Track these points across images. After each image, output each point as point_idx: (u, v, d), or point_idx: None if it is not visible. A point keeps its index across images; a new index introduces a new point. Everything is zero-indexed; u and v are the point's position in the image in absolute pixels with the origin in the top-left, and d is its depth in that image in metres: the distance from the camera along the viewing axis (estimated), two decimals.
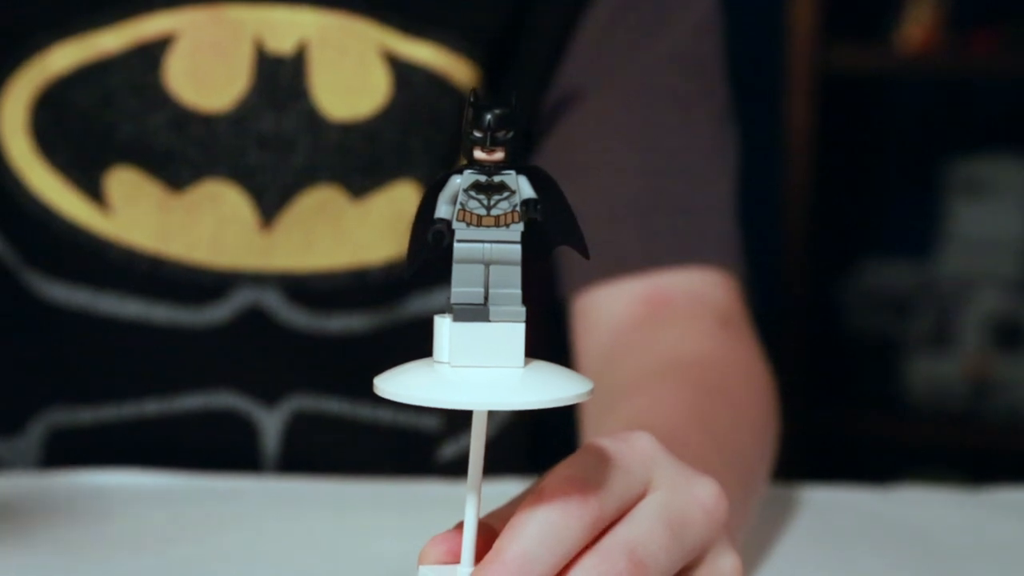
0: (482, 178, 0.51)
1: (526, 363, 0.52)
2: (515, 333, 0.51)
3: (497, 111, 0.50)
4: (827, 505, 0.85)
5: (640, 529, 0.55)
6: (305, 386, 0.93)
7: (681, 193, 0.91)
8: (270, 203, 0.89)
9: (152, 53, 0.87)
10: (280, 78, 0.88)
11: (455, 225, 0.51)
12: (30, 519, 0.79)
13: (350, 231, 0.91)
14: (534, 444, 1.06)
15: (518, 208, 0.51)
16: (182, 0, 0.87)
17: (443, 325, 0.51)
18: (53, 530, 0.77)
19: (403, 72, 0.89)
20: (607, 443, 0.57)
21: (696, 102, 0.93)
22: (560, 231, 0.52)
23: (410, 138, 0.90)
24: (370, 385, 1.01)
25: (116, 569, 0.72)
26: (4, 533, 0.76)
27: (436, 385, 0.51)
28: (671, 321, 0.89)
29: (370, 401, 0.94)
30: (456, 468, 0.96)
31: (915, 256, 2.43)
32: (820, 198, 2.31)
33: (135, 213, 0.89)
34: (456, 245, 0.51)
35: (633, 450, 0.57)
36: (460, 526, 0.54)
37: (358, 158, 0.89)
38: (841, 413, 2.37)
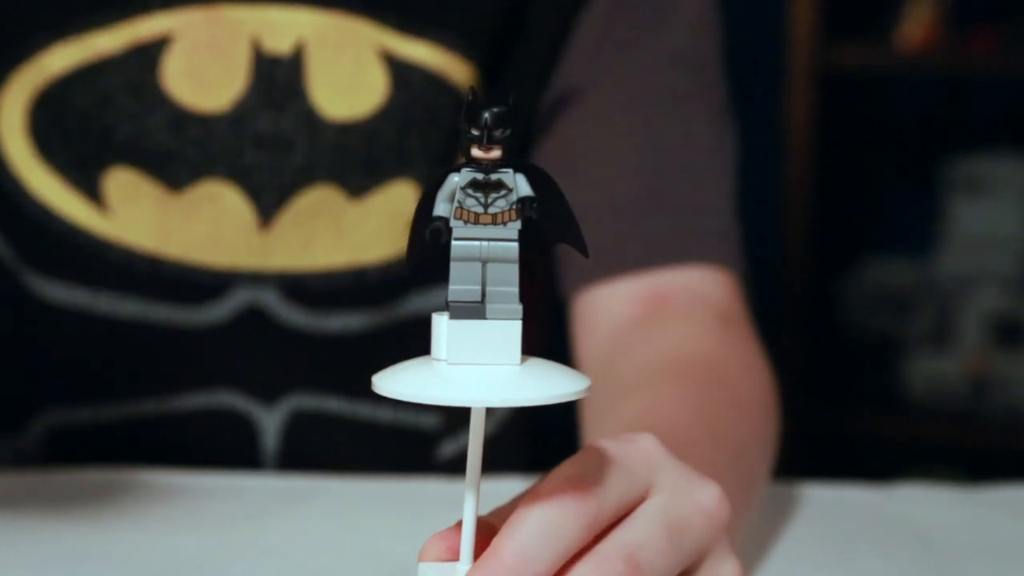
0: (479, 176, 0.51)
1: (523, 360, 0.52)
2: (512, 330, 0.51)
3: (495, 109, 0.51)
4: (827, 503, 0.85)
5: (639, 532, 0.55)
6: (304, 385, 0.93)
7: (680, 192, 0.91)
8: (268, 203, 0.89)
9: (150, 54, 0.87)
10: (278, 78, 0.88)
11: (453, 223, 0.51)
12: (30, 517, 0.79)
13: (348, 231, 0.91)
14: (534, 442, 1.06)
15: (515, 206, 0.51)
16: (179, 0, 0.87)
17: (441, 323, 0.52)
18: (53, 528, 0.77)
19: (401, 72, 0.89)
20: (610, 444, 0.57)
21: (695, 100, 0.93)
22: (558, 229, 0.53)
23: (408, 138, 0.90)
24: (369, 384, 1.01)
25: (116, 567, 0.72)
26: (4, 531, 0.76)
27: (433, 382, 0.51)
28: (671, 320, 0.89)
29: (370, 400, 0.95)
30: (456, 466, 0.96)
31: (915, 254, 2.44)
32: (820, 196, 2.31)
33: (133, 213, 0.89)
34: (453, 243, 0.51)
35: (636, 452, 0.57)
36: (460, 524, 0.55)
37: (356, 158, 0.89)
38: (841, 411, 2.37)
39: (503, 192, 0.51)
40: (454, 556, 0.54)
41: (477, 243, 0.51)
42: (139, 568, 0.72)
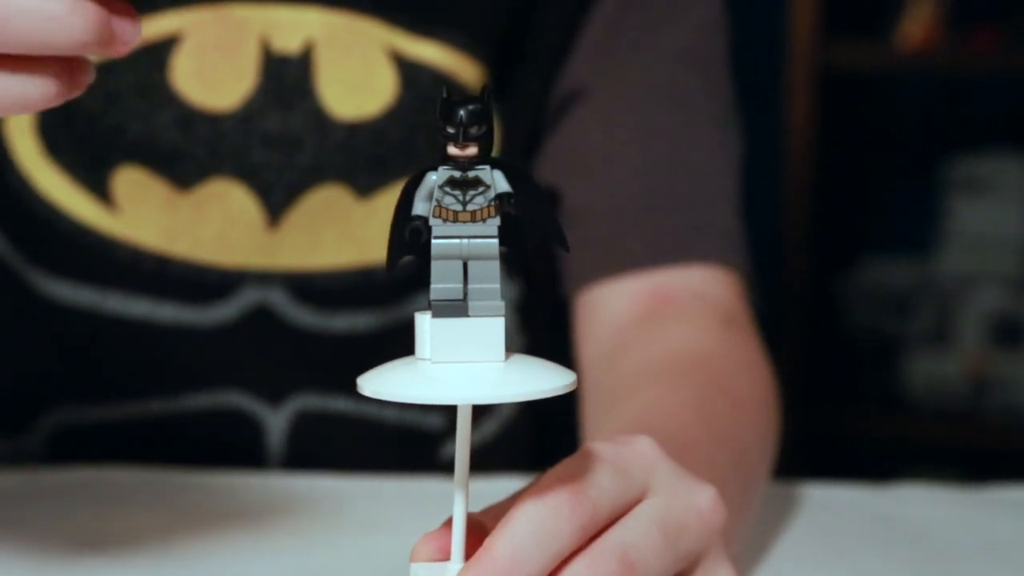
0: (457, 174, 0.51)
1: (507, 357, 0.52)
2: (495, 327, 0.51)
3: (470, 107, 0.50)
4: (827, 503, 0.85)
5: (634, 532, 0.55)
6: (310, 385, 0.93)
7: (685, 191, 0.91)
8: (276, 202, 0.89)
9: (158, 52, 0.87)
10: (286, 77, 0.88)
11: (432, 222, 0.51)
12: (33, 515, 0.79)
13: (356, 230, 0.91)
14: (538, 441, 1.06)
15: (493, 202, 0.51)
16: (188, 0, 0.87)
17: (424, 322, 0.52)
18: (52, 527, 0.77)
19: (409, 71, 0.89)
20: (606, 446, 0.57)
21: (701, 99, 0.93)
22: (537, 224, 0.52)
23: (416, 137, 0.90)
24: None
25: (118, 565, 0.72)
26: (7, 529, 0.76)
27: (418, 382, 0.51)
28: (673, 319, 0.89)
29: (376, 400, 0.95)
30: None
31: (915, 254, 2.44)
32: (820, 196, 2.31)
33: (141, 212, 0.89)
34: (433, 242, 0.51)
35: (633, 454, 0.57)
36: (451, 523, 0.55)
37: (364, 157, 0.89)
38: (841, 411, 2.37)
39: (481, 189, 0.51)
40: (445, 556, 0.54)
41: (457, 241, 0.51)
42: (140, 565, 0.72)
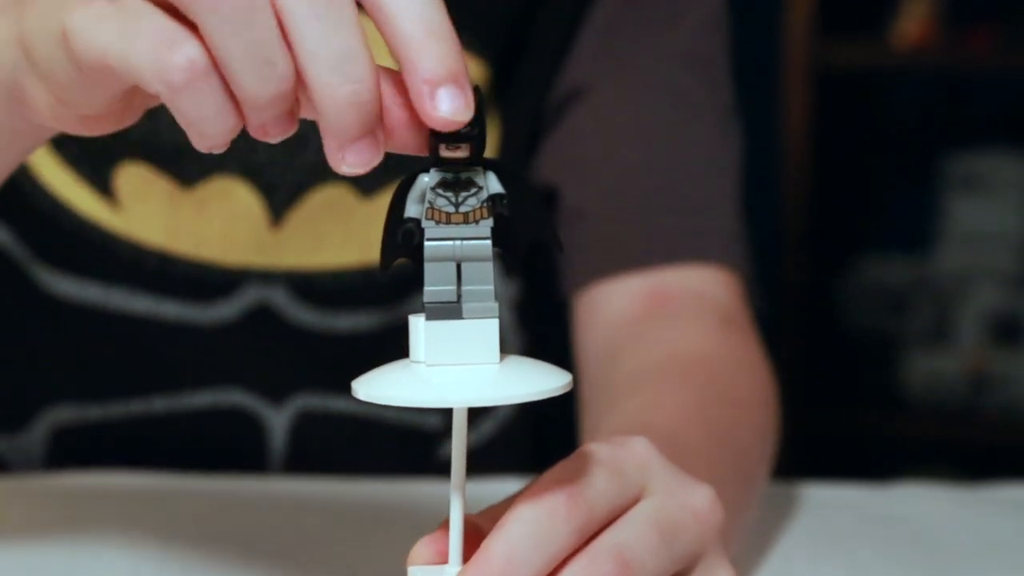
0: (449, 175, 0.51)
1: (502, 358, 0.51)
2: (489, 329, 0.51)
3: None
4: (825, 502, 0.85)
5: (630, 533, 0.55)
6: (312, 384, 0.93)
7: (685, 191, 0.91)
8: (280, 201, 0.89)
9: None
10: None
11: (424, 224, 0.51)
12: (31, 520, 0.79)
13: (359, 229, 0.91)
14: (536, 441, 1.06)
15: (486, 204, 0.51)
16: None
17: (417, 324, 0.51)
18: (53, 531, 0.77)
19: None
20: (602, 447, 0.57)
21: (702, 99, 0.93)
22: (530, 225, 0.52)
23: None
24: None
25: (115, 569, 0.72)
26: (5, 533, 0.76)
27: (412, 385, 0.51)
28: (672, 319, 0.89)
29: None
30: None
31: (913, 252, 2.44)
32: (817, 194, 2.31)
33: (145, 209, 0.89)
34: (426, 244, 0.51)
35: (629, 455, 0.57)
36: (447, 525, 0.54)
37: None
38: (839, 409, 2.38)
39: (473, 190, 0.51)
40: (443, 559, 0.54)
41: (450, 243, 0.51)
42: (138, 569, 0.72)
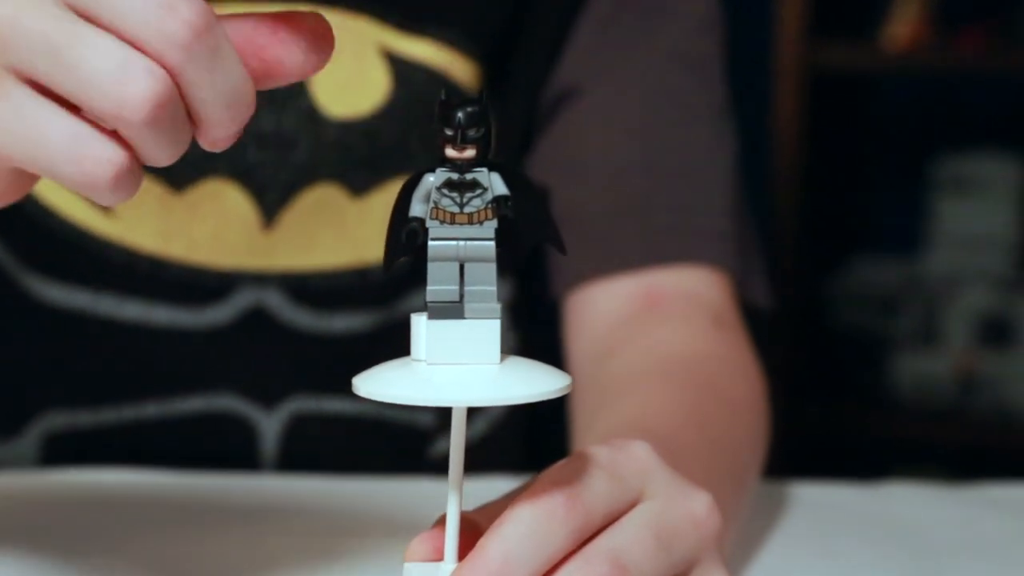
0: (454, 176, 0.51)
1: (503, 359, 0.52)
2: (491, 329, 0.51)
3: (468, 109, 0.51)
4: (815, 501, 0.85)
5: (626, 536, 0.55)
6: (305, 387, 0.93)
7: (678, 191, 0.91)
8: (271, 202, 0.89)
9: None
10: None
11: (429, 223, 0.51)
12: (24, 518, 0.79)
13: (351, 229, 0.91)
14: (528, 440, 1.06)
15: (491, 205, 0.51)
16: None
17: (419, 323, 0.52)
18: (46, 529, 0.77)
19: (402, 70, 0.89)
20: (603, 450, 0.57)
21: (695, 99, 0.93)
22: (534, 227, 0.53)
23: (410, 136, 0.90)
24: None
25: (109, 566, 0.72)
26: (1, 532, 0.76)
27: (413, 383, 0.51)
28: (664, 319, 0.89)
29: (371, 400, 0.94)
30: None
31: (903, 253, 2.44)
32: (808, 196, 2.31)
33: (136, 214, 0.89)
34: (430, 243, 0.51)
35: (628, 458, 0.57)
36: (444, 523, 0.55)
37: (358, 156, 0.89)
38: (829, 409, 2.38)
39: (478, 191, 0.51)
40: (439, 556, 0.54)
41: (454, 243, 0.51)
42: (132, 567, 0.72)
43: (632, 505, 0.56)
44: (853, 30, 2.33)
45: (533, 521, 0.52)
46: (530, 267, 1.01)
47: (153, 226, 0.89)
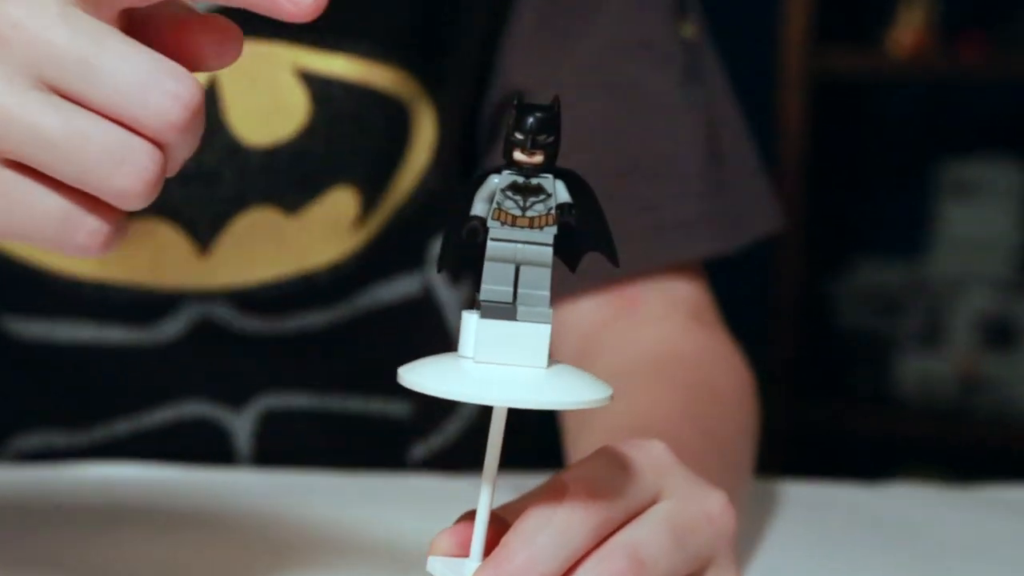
0: (520, 179, 0.51)
1: (549, 365, 0.52)
2: (540, 334, 0.51)
3: (539, 114, 0.51)
4: (818, 501, 0.85)
5: (644, 531, 0.55)
6: (270, 385, 0.92)
7: (639, 188, 0.88)
8: (204, 233, 0.88)
9: None
10: None
11: (489, 223, 0.51)
12: (14, 513, 0.79)
13: (291, 242, 0.89)
14: (521, 440, 1.05)
15: (553, 211, 0.52)
16: None
17: (470, 320, 0.52)
18: (19, 527, 0.77)
19: (320, 88, 0.87)
20: (621, 449, 0.58)
21: (647, 82, 0.89)
22: (592, 237, 0.53)
23: (337, 149, 0.88)
24: (335, 376, 0.96)
25: (100, 561, 0.72)
26: None
27: (459, 379, 0.51)
28: (643, 319, 0.88)
29: (339, 393, 0.94)
30: (428, 465, 0.96)
31: (906, 256, 2.45)
32: (813, 199, 2.32)
33: None
34: (489, 243, 0.51)
35: (647, 457, 0.58)
36: (467, 517, 0.55)
37: (287, 177, 0.88)
38: (833, 409, 2.38)
39: (542, 197, 0.51)
40: (463, 551, 0.55)
41: (512, 245, 0.51)
42: (111, 567, 0.71)
43: (650, 503, 0.57)
44: (857, 36, 2.33)
45: (557, 520, 0.53)
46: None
47: (91, 259, 0.87)
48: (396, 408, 0.96)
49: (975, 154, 2.40)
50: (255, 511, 0.81)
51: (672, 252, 0.88)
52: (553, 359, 0.52)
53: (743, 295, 2.14)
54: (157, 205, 0.84)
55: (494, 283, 0.51)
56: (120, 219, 0.53)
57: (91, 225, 0.52)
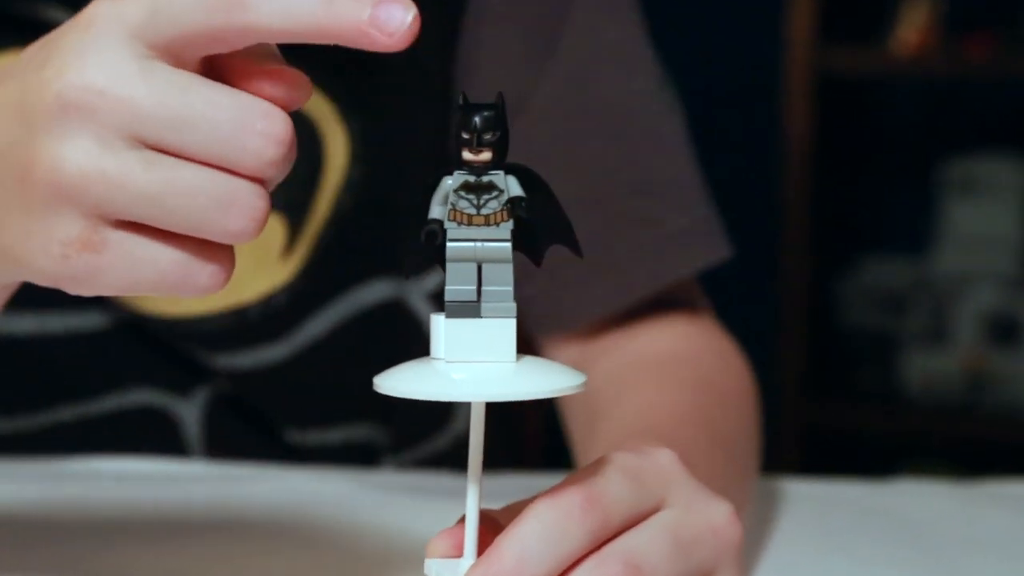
0: (471, 178, 0.52)
1: (519, 358, 0.52)
2: (506, 328, 0.52)
3: (484, 113, 0.51)
4: (825, 499, 0.85)
5: (642, 539, 0.55)
6: (213, 377, 0.90)
7: (630, 211, 0.86)
8: None
9: None
10: None
11: (447, 225, 0.52)
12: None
13: None
14: (514, 441, 1.06)
15: (506, 207, 0.52)
16: None
17: (438, 322, 0.52)
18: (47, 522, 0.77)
19: None
20: (627, 456, 0.57)
21: (613, 99, 0.87)
22: (550, 229, 0.53)
23: None
24: (279, 415, 0.91)
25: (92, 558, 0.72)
26: None
27: (433, 380, 0.52)
28: (640, 322, 0.87)
29: (293, 428, 0.92)
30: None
31: (912, 254, 2.44)
32: (819, 198, 2.32)
33: None
34: (448, 244, 0.52)
35: (653, 465, 0.57)
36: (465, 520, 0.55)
37: None
38: (839, 407, 2.38)
39: (495, 194, 0.52)
40: (460, 553, 0.55)
41: (471, 244, 0.52)
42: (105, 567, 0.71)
43: (652, 511, 0.56)
44: (862, 35, 2.33)
45: (549, 521, 0.53)
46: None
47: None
48: (365, 433, 0.94)
49: (980, 152, 2.40)
50: (249, 507, 0.81)
51: (662, 274, 0.86)
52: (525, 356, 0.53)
53: (749, 294, 2.15)
54: None
55: (457, 283, 0.52)
56: (232, 253, 0.54)
57: (211, 268, 0.53)
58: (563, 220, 0.54)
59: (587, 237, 0.81)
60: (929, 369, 2.35)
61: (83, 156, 0.51)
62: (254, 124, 0.51)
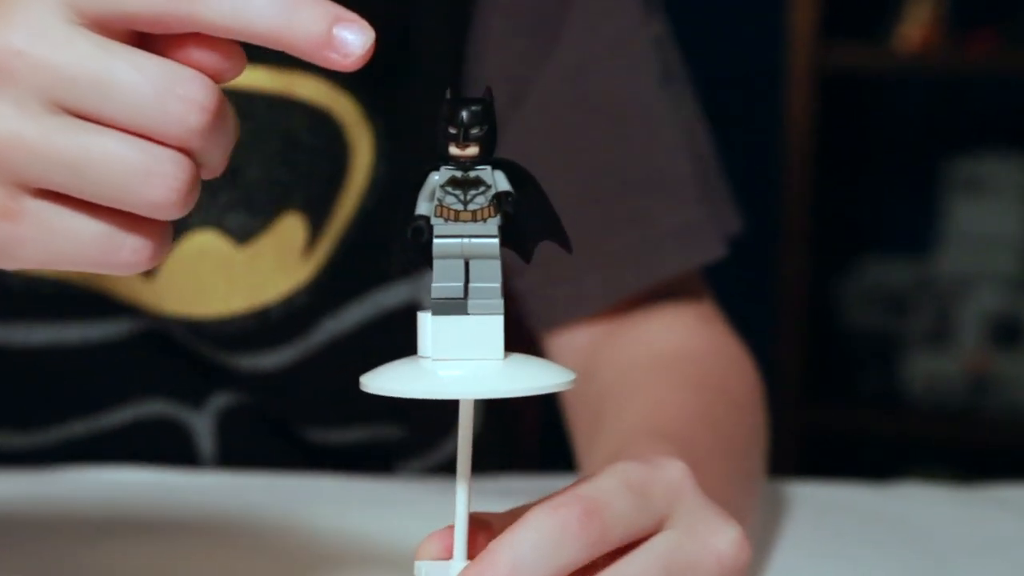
0: (458, 174, 0.51)
1: (506, 355, 0.52)
2: (494, 325, 0.52)
3: (471, 107, 0.51)
4: (826, 502, 0.85)
5: (634, 569, 0.54)
6: (228, 383, 0.90)
7: (637, 203, 0.86)
8: None
9: None
10: None
11: (434, 221, 0.52)
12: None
13: (240, 278, 0.86)
14: (509, 439, 1.05)
15: (494, 202, 0.52)
16: None
17: (425, 320, 0.52)
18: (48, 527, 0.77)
19: (240, 104, 0.81)
20: (636, 467, 0.56)
21: (624, 89, 0.87)
22: (538, 224, 0.53)
23: (274, 168, 0.85)
24: (297, 417, 0.92)
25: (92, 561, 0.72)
26: None
27: (420, 378, 0.52)
28: (647, 316, 0.86)
29: (311, 425, 0.92)
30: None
31: (914, 254, 2.45)
32: (820, 196, 2.32)
33: None
34: (435, 241, 0.51)
35: (661, 479, 0.56)
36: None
37: (226, 199, 0.85)
38: (841, 409, 2.38)
39: (482, 189, 0.52)
40: (450, 555, 0.54)
41: (458, 240, 0.52)
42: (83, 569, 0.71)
43: (655, 527, 0.55)
44: (865, 32, 2.33)
45: (546, 531, 0.52)
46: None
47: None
48: (383, 432, 0.94)
49: (983, 151, 2.40)
50: (249, 515, 0.81)
51: (667, 267, 0.86)
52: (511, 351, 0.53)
53: (749, 294, 2.14)
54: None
55: (444, 280, 0.52)
56: (162, 231, 0.53)
57: (133, 243, 0.52)
58: (552, 215, 0.53)
59: (580, 231, 0.82)
60: (931, 371, 2.35)
61: (0, 120, 0.50)
62: (176, 89, 0.50)
